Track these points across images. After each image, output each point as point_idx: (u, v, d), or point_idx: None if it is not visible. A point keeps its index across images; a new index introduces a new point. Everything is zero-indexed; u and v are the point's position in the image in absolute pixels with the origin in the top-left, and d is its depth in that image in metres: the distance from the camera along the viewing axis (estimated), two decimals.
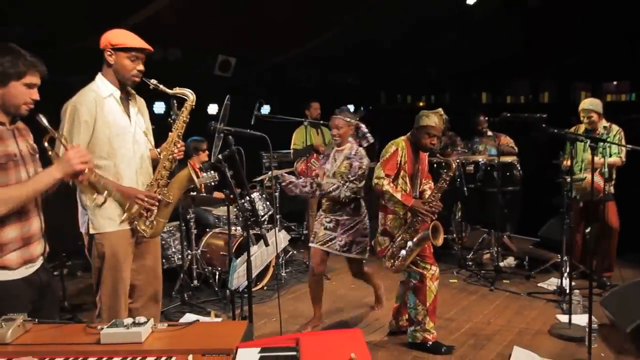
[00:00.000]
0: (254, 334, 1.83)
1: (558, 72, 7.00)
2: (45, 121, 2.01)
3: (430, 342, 3.28)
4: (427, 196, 3.33)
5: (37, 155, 2.10)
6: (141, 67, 2.54)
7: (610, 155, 4.27)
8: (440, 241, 3.26)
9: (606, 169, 4.21)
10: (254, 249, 2.59)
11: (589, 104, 4.34)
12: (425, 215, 3.17)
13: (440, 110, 3.28)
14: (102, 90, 2.53)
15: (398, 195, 3.19)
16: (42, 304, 2.06)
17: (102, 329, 1.59)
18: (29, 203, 2.01)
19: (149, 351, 1.51)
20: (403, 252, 3.24)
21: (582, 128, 4.43)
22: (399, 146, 3.29)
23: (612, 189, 4.34)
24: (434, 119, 3.22)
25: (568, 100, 6.94)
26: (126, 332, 1.56)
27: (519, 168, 4.97)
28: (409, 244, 3.23)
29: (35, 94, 1.99)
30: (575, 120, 4.53)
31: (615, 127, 4.35)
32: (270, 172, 5.10)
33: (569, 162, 4.47)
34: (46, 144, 2.07)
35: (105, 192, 2.31)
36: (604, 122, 4.36)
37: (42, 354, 1.50)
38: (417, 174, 3.38)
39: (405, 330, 3.48)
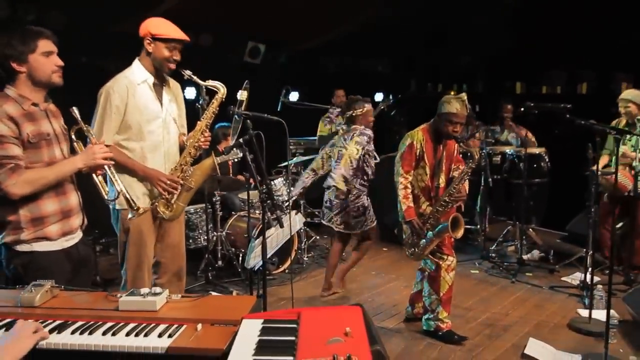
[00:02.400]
0: (264, 309, 1.91)
1: (598, 61, 6.74)
2: (77, 114, 2.15)
3: (443, 331, 3.31)
4: None
5: (67, 135, 2.24)
6: (178, 56, 2.65)
7: None
8: (459, 234, 3.22)
9: (638, 163, 4.07)
10: (270, 230, 2.67)
11: (629, 94, 4.21)
12: (418, 232, 3.25)
13: (463, 95, 3.17)
14: (136, 76, 2.64)
15: (404, 206, 3.23)
16: (77, 276, 2.21)
17: (120, 297, 1.71)
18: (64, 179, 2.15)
19: (162, 319, 1.62)
20: (423, 241, 3.25)
21: (623, 121, 4.29)
22: (414, 138, 3.25)
23: None
24: (455, 105, 3.12)
25: (608, 91, 6.68)
26: (142, 300, 1.67)
27: (547, 160, 4.87)
28: (429, 234, 3.23)
29: (57, 60, 2.09)
30: (616, 112, 4.38)
31: None
32: (295, 158, 5.18)
33: (604, 160, 4.36)
34: (73, 136, 2.22)
35: (119, 189, 2.36)
36: None
37: (66, 317, 1.63)
38: (440, 162, 3.31)
39: (420, 317, 3.51)
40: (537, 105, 3.53)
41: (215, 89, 2.71)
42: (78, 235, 2.24)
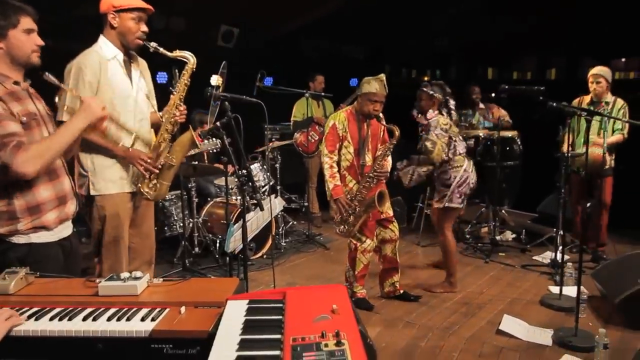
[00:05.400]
0: (246, 291, 1.90)
1: (566, 48, 6.89)
2: (53, 78, 2.02)
3: (357, 298, 3.56)
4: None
5: (52, 117, 2.13)
6: (145, 28, 2.56)
7: (614, 132, 4.25)
8: (385, 207, 3.44)
9: (605, 146, 4.21)
10: (250, 214, 2.66)
11: (600, 70, 4.30)
12: (344, 210, 3.39)
13: (382, 75, 3.36)
14: (105, 52, 2.55)
15: (330, 185, 3.38)
16: (67, 267, 2.12)
17: (100, 282, 1.66)
18: (56, 162, 2.04)
19: (144, 303, 1.58)
20: (352, 218, 3.41)
21: (586, 100, 4.38)
22: (336, 119, 3.45)
23: (613, 163, 4.33)
24: (374, 85, 3.32)
25: (576, 76, 6.85)
26: (123, 285, 1.64)
27: (519, 143, 4.97)
28: (357, 209, 3.39)
29: (38, 40, 1.98)
30: (581, 94, 4.49)
31: (620, 101, 4.28)
32: (271, 143, 5.14)
33: (569, 137, 4.47)
34: (57, 100, 2.12)
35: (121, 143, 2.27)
36: (609, 96, 4.30)
37: (43, 304, 1.58)
38: (366, 141, 3.47)
39: (392, 296, 3.73)
40: (511, 88, 3.60)
41: (184, 59, 2.63)
42: (71, 225, 2.15)
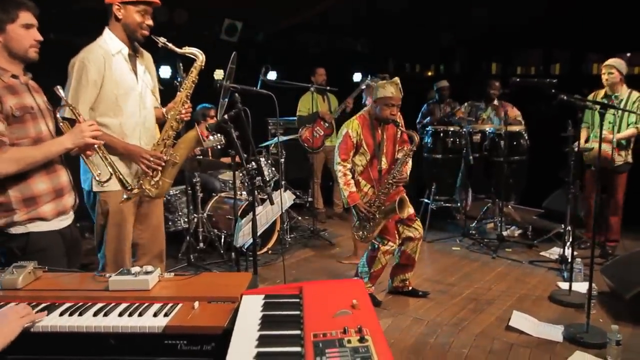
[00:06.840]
0: (258, 286, 1.87)
1: (571, 42, 6.83)
2: (62, 92, 2.09)
3: None
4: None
5: (52, 112, 2.15)
6: (150, 21, 2.51)
7: (628, 125, 4.20)
8: (405, 213, 3.39)
9: (614, 140, 4.15)
10: (259, 209, 2.62)
11: (613, 61, 4.22)
12: (365, 215, 3.32)
13: (396, 79, 3.30)
14: (110, 46, 2.50)
15: (346, 193, 3.34)
16: (68, 258, 2.13)
17: (110, 276, 1.63)
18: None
19: (156, 298, 1.55)
20: (371, 223, 3.37)
21: (601, 94, 4.32)
22: (349, 127, 3.38)
23: (629, 158, 4.27)
24: (390, 89, 3.24)
25: (580, 71, 6.80)
26: (134, 279, 1.60)
27: (526, 138, 4.93)
28: (377, 215, 3.34)
29: (37, 35, 2.01)
30: (587, 91, 4.43)
31: (635, 94, 4.21)
32: (274, 139, 5.09)
33: (585, 134, 4.42)
34: (58, 115, 2.13)
35: (111, 170, 2.31)
36: (624, 89, 4.24)
37: (52, 299, 1.55)
38: (381, 146, 3.41)
39: (401, 291, 3.68)
40: (523, 80, 3.56)
41: (193, 57, 2.58)
42: (71, 216, 2.16)
